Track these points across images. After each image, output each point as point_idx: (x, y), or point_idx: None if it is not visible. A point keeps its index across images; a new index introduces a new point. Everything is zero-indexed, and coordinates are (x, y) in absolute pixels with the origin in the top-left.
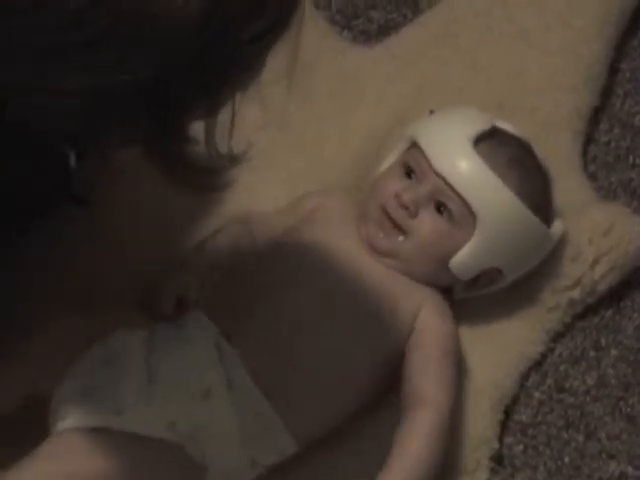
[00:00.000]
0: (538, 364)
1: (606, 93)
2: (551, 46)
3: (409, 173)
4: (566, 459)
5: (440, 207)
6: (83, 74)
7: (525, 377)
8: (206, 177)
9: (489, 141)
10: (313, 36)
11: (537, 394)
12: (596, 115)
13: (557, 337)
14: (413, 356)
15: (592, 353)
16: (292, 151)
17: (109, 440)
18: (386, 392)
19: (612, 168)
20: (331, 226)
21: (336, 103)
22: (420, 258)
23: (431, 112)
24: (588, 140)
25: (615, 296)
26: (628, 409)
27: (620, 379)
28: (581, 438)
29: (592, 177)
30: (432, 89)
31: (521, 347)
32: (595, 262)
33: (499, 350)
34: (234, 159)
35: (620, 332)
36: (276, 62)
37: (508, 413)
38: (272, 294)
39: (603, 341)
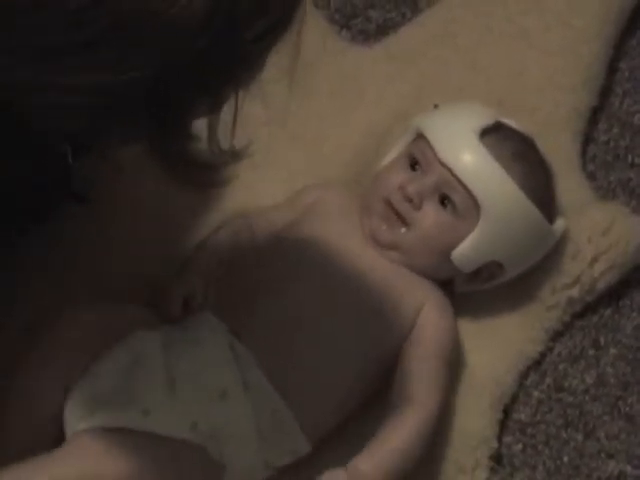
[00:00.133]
0: (537, 363)
1: (605, 92)
2: (551, 46)
3: (413, 165)
4: (565, 458)
5: (444, 200)
6: (84, 73)
7: (524, 376)
8: (207, 173)
9: (494, 135)
10: (313, 35)
11: (536, 393)
12: (595, 114)
13: (556, 336)
14: (411, 353)
15: (591, 352)
16: (292, 149)
17: (132, 440)
18: (388, 390)
19: (611, 167)
20: (331, 220)
21: (336, 102)
22: (422, 250)
23: (435, 106)
24: (587, 139)
25: (614, 295)
26: (627, 408)
27: (619, 378)
28: (580, 437)
29: (591, 176)
30: (431, 89)
31: (520, 346)
32: (594, 260)
33: (498, 348)
34: (235, 155)
35: (619, 331)
36: (278, 60)
37: (507, 412)
38: (273, 289)
39: (602, 340)
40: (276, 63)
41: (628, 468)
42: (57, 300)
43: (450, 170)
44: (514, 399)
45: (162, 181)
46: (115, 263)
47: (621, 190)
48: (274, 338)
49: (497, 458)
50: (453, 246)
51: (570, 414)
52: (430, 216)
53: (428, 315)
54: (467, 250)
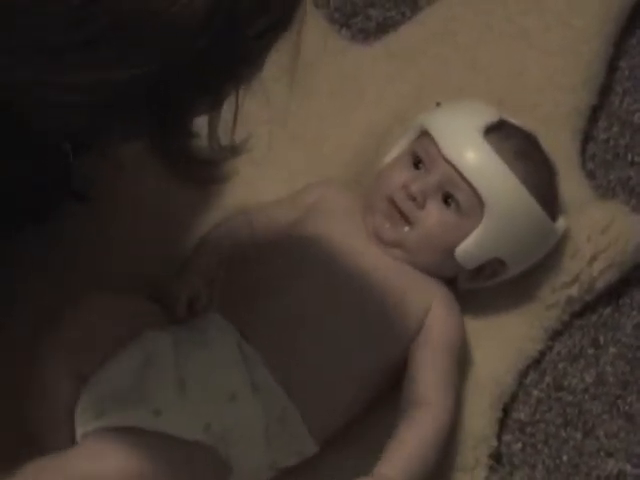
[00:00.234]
0: (537, 362)
1: (605, 91)
2: (551, 45)
3: (417, 163)
4: (564, 457)
5: (447, 199)
6: (84, 72)
7: (524, 375)
8: (208, 170)
9: (498, 132)
10: (313, 34)
11: (536, 392)
12: (595, 113)
13: (556, 335)
14: (420, 354)
15: (591, 351)
16: (292, 148)
17: (144, 441)
18: (391, 391)
19: (611, 166)
20: (334, 218)
21: (336, 101)
22: (426, 248)
23: (438, 105)
24: (587, 138)
25: (614, 294)
26: (626, 407)
27: (618, 377)
28: (579, 436)
29: (591, 175)
30: (432, 87)
31: (520, 345)
32: (593, 259)
33: (498, 347)
34: (235, 150)
35: (619, 330)
36: (278, 59)
37: (507, 411)
38: (275, 288)
39: (602, 339)
40: (276, 62)
41: (627, 467)
42: (57, 300)
43: (454, 167)
44: (514, 398)
45: (163, 179)
46: (115, 262)
47: (621, 189)
48: (277, 337)
49: (496, 457)
50: (456, 244)
51: (569, 413)
52: (433, 215)
53: (436, 314)
54: (470, 247)
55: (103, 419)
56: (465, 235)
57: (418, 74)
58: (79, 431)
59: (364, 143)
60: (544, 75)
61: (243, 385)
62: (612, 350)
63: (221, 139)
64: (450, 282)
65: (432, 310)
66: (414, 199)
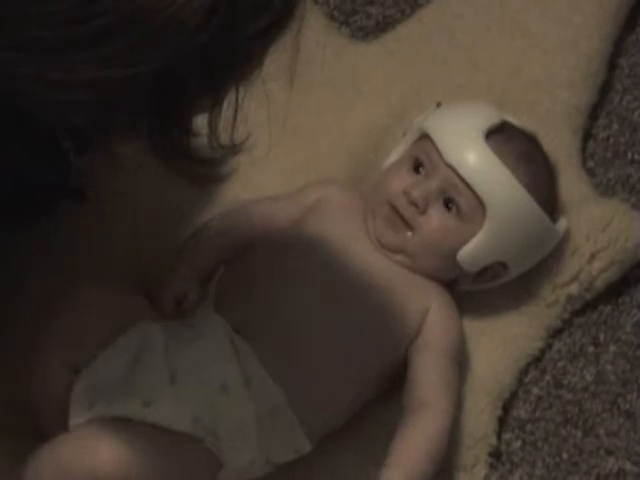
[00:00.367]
0: (537, 360)
1: (605, 89)
2: (551, 43)
3: (417, 167)
4: (564, 455)
5: (448, 203)
6: (84, 70)
7: (524, 373)
8: (207, 168)
9: (499, 135)
10: (312, 32)
11: (535, 390)
12: (595, 111)
13: (556, 333)
14: (420, 357)
15: (591, 349)
16: (291, 146)
17: (133, 431)
18: (388, 390)
19: (610, 164)
20: (335, 219)
21: (334, 99)
22: (427, 253)
23: (438, 105)
24: (587, 136)
25: (614, 292)
26: (627, 405)
27: (619, 375)
28: (579, 434)
29: (590, 173)
30: (431, 85)
31: (519, 343)
32: (593, 257)
33: (498, 346)
34: (235, 149)
35: (619, 328)
36: (277, 57)
37: (506, 409)
38: (273, 286)
39: (602, 337)
40: (276, 60)
41: (627, 465)
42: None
43: (455, 172)
44: (513, 396)
45: (162, 177)
46: (115, 261)
47: (620, 187)
48: (273, 334)
49: (496, 455)
50: (458, 248)
51: (569, 411)
52: (435, 220)
53: (436, 317)
54: (472, 251)
55: (93, 410)
56: (467, 239)
57: (418, 72)
58: (71, 423)
59: (362, 142)
60: (544, 73)
61: (234, 378)
62: (612, 348)
63: (221, 138)
64: (450, 283)
65: (431, 313)
66: (415, 205)
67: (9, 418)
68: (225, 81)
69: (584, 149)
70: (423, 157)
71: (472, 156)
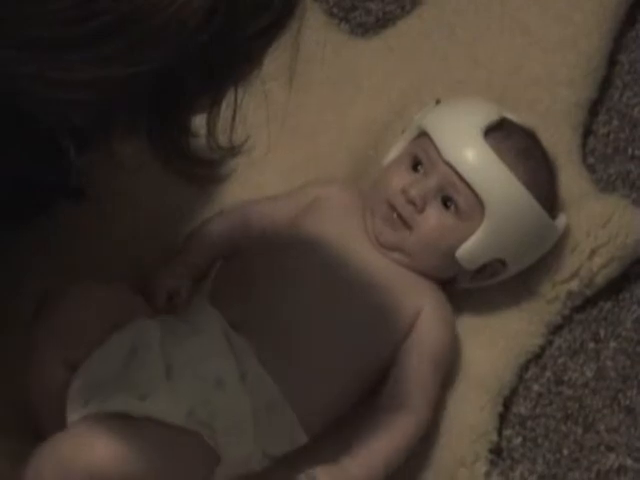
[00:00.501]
0: (537, 356)
1: (605, 85)
2: (551, 40)
3: (416, 165)
4: (565, 451)
5: (447, 202)
6: (84, 69)
7: (524, 369)
8: (206, 168)
9: (498, 132)
10: (312, 29)
11: (536, 386)
12: (595, 107)
13: (556, 329)
14: (407, 358)
15: (591, 345)
16: (290, 144)
17: (130, 426)
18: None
19: (611, 160)
20: (333, 217)
21: (334, 96)
22: (426, 252)
23: (437, 102)
24: (587, 132)
25: (614, 288)
26: (627, 401)
27: (619, 371)
28: (580, 430)
29: (591, 169)
30: (431, 82)
31: (520, 339)
32: (593, 254)
33: (498, 342)
34: (234, 149)
35: (619, 324)
36: (277, 56)
37: (507, 405)
38: (271, 283)
39: (602, 333)
40: (275, 59)
41: (628, 461)
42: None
43: (454, 169)
44: (514, 392)
45: (161, 178)
46: (115, 261)
47: (621, 183)
48: (270, 330)
49: (497, 451)
50: (456, 246)
51: (570, 407)
52: (433, 218)
53: (426, 320)
54: (471, 249)
55: (90, 406)
56: (465, 237)
57: (417, 69)
58: (69, 419)
59: (362, 139)
60: (544, 70)
61: (230, 373)
62: (612, 344)
63: (220, 139)
64: (449, 281)
65: (423, 314)
66: (413, 204)
67: (9, 418)
68: (224, 81)
69: (584, 145)
70: (422, 155)
71: (470, 154)
